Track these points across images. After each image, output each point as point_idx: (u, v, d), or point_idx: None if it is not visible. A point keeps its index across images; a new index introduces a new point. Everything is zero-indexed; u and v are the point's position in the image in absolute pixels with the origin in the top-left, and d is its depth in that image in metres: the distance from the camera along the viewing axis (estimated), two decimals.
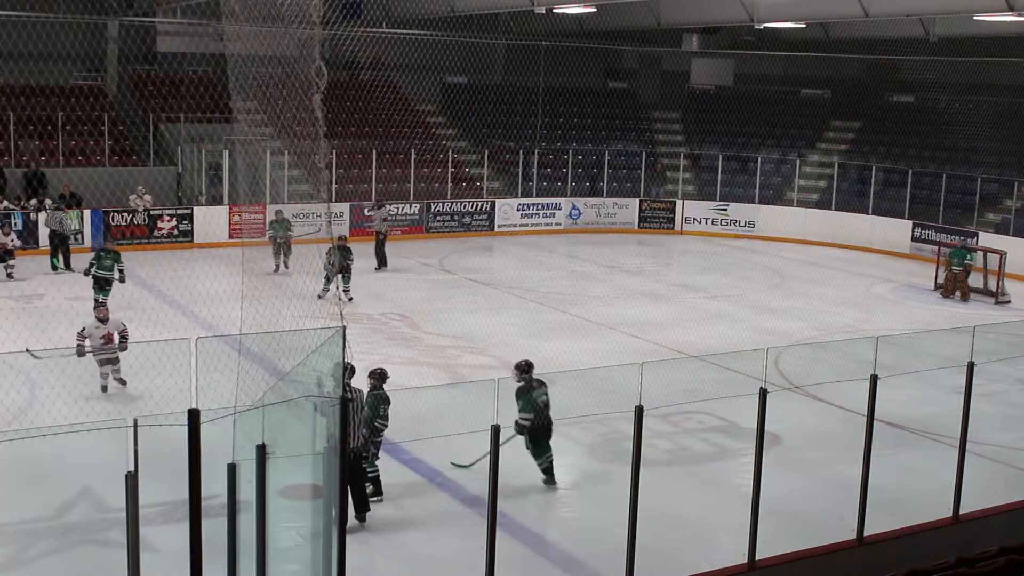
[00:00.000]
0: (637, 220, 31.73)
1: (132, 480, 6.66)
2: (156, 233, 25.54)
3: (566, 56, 31.22)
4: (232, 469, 7.22)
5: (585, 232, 30.84)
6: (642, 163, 32.71)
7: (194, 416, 6.82)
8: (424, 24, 29.65)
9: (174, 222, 25.89)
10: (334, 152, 26.89)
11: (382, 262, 23.80)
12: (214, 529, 7.23)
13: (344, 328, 7.40)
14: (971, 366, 10.25)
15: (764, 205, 31.55)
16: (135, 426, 6.68)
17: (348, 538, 7.69)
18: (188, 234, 25.91)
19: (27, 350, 12.82)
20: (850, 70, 34.40)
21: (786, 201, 31.95)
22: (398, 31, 28.76)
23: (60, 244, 22.58)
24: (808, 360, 15.40)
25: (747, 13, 26.26)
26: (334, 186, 27.90)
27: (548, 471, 11.54)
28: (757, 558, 9.12)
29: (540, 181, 31.56)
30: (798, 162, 32.63)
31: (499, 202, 30.48)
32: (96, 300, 17.73)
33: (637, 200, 31.93)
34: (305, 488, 8.25)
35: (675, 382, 11.48)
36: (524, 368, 11.54)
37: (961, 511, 10.31)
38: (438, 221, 29.53)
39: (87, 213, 24.46)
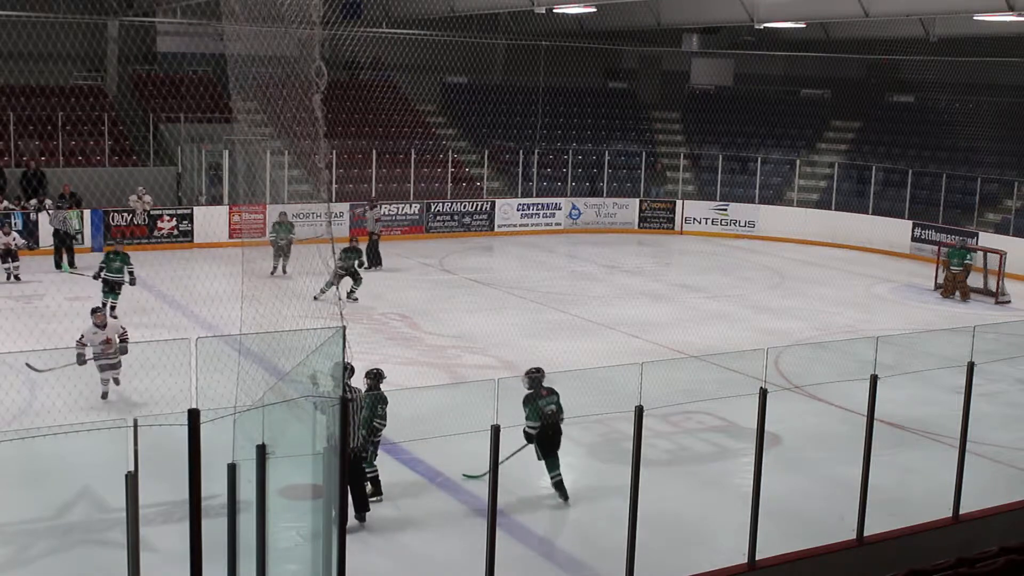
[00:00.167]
0: (637, 220, 31.73)
1: (132, 480, 6.66)
2: (156, 233, 25.54)
3: (566, 56, 31.22)
4: (232, 469, 7.23)
5: (585, 232, 30.84)
6: (642, 163, 32.71)
7: (194, 416, 6.83)
8: (424, 24, 29.64)
9: (174, 222, 25.89)
10: (334, 152, 26.89)
11: (376, 262, 23.75)
12: (214, 529, 7.23)
13: (344, 328, 7.41)
14: (971, 366, 10.25)
15: (764, 205, 31.55)
16: (135, 426, 6.68)
17: (348, 538, 7.69)
18: (188, 234, 25.92)
19: (27, 364, 12.71)
20: (850, 70, 34.40)
21: (786, 201, 31.96)
22: (398, 31, 28.76)
23: (64, 243, 22.68)
24: (808, 360, 15.40)
25: (747, 13, 26.25)
26: (334, 186, 27.90)
27: (558, 486, 11.20)
28: (757, 558, 9.12)
29: (540, 181, 31.56)
30: (798, 162, 32.63)
31: (499, 202, 30.49)
32: (104, 303, 17.76)
33: (637, 200, 31.93)
34: (305, 488, 8.25)
35: (675, 382, 11.47)
36: (533, 375, 11.19)
37: (961, 511, 10.31)
38: (438, 221, 29.53)
39: (87, 213, 24.47)
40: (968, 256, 23.42)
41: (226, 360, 8.02)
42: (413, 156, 29.70)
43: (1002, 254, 23.42)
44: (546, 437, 11.06)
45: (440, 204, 29.63)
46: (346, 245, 20.63)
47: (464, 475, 11.50)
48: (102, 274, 17.98)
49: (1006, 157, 29.22)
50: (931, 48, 27.56)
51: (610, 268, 26.07)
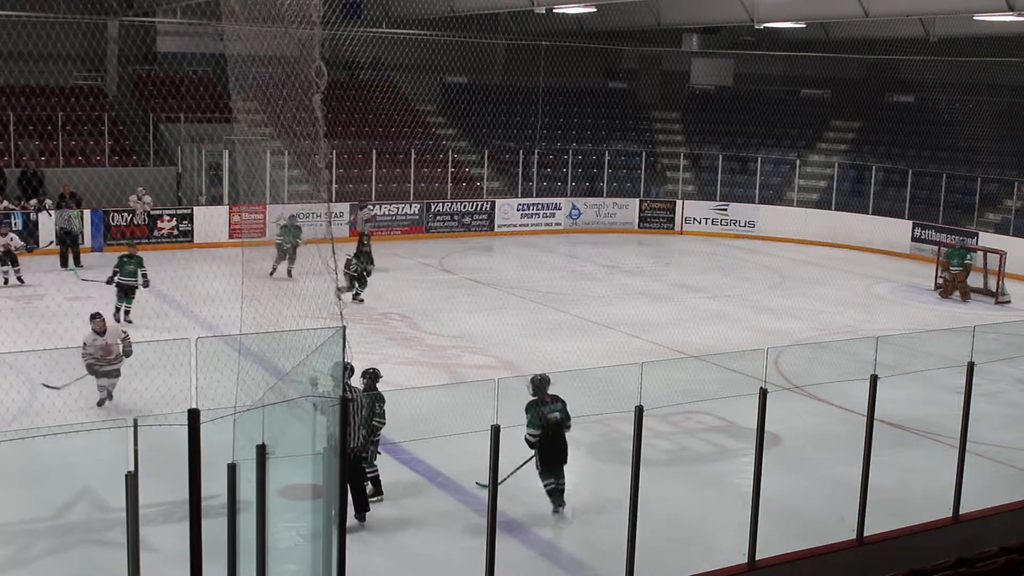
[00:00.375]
0: (637, 220, 31.74)
1: (132, 480, 6.66)
2: (156, 233, 25.54)
3: (566, 56, 31.21)
4: (232, 469, 7.23)
5: (585, 232, 30.85)
6: (642, 163, 32.71)
7: (194, 416, 6.83)
8: (424, 24, 29.64)
9: (174, 222, 25.90)
10: (334, 152, 26.89)
11: (368, 262, 23.59)
12: (214, 529, 7.23)
13: (344, 328, 7.40)
14: (971, 366, 10.25)
15: (764, 205, 31.56)
16: (135, 426, 6.68)
17: (348, 538, 7.69)
18: (188, 234, 25.92)
19: (44, 384, 12.59)
20: (850, 70, 34.40)
21: (786, 201, 31.96)
22: (398, 31, 28.76)
23: (71, 243, 22.77)
24: (808, 360, 15.40)
25: (747, 13, 26.25)
26: (334, 186, 27.89)
27: (558, 494, 10.90)
28: (757, 558, 9.12)
29: (540, 181, 31.56)
30: (798, 162, 32.64)
31: (499, 202, 30.49)
32: (118, 308, 17.72)
33: (637, 200, 31.93)
34: (305, 488, 8.25)
35: (675, 382, 11.47)
36: (537, 382, 10.83)
37: (961, 511, 10.31)
38: (438, 221, 29.53)
39: (87, 213, 24.46)
40: (968, 256, 23.42)
41: (226, 360, 8.02)
42: (413, 156, 29.71)
43: (1002, 254, 23.42)
44: (549, 446, 10.73)
45: (440, 204, 29.63)
46: (363, 249, 20.54)
47: (477, 484, 11.13)
48: (115, 279, 17.81)
49: (1006, 157, 29.22)
50: (931, 48, 27.56)
51: (610, 268, 26.07)
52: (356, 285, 20.12)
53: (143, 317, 17.89)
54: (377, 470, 10.94)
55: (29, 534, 10.22)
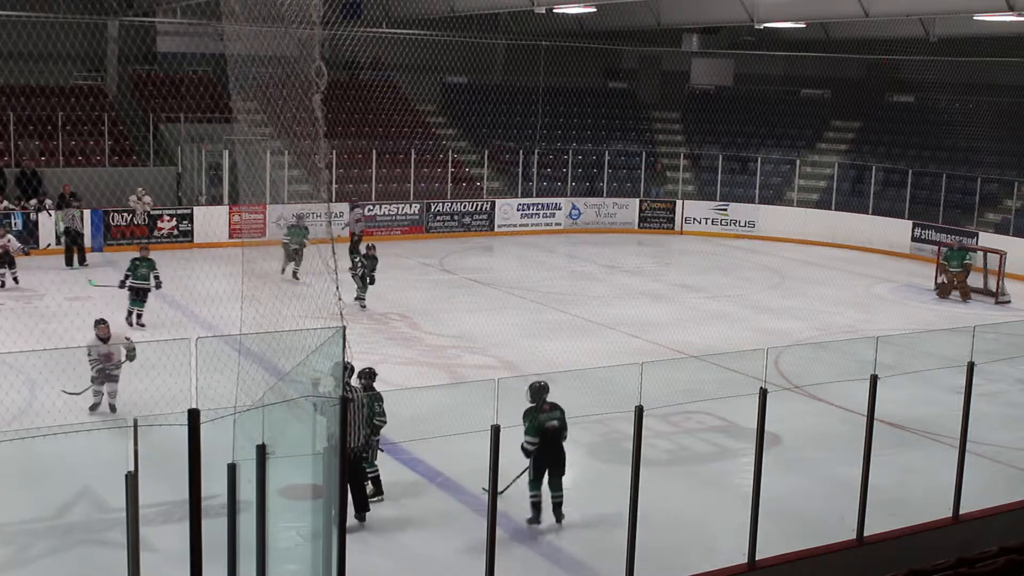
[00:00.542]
0: (637, 220, 31.74)
1: (132, 480, 6.66)
2: (156, 233, 25.53)
3: (566, 56, 31.21)
4: (232, 469, 7.23)
5: (585, 232, 30.85)
6: (642, 163, 32.72)
7: (194, 416, 6.83)
8: (424, 24, 29.64)
9: (174, 222, 25.90)
10: (334, 152, 26.90)
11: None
12: (214, 529, 7.23)
13: (344, 328, 7.41)
14: (971, 366, 10.25)
15: (764, 205, 31.56)
16: (135, 426, 6.68)
17: (348, 538, 7.70)
18: (188, 234, 25.92)
19: (64, 391, 12.54)
20: (850, 70, 34.40)
21: (786, 201, 31.96)
22: (398, 31, 28.76)
23: (75, 242, 22.94)
24: (808, 360, 15.39)
25: (747, 13, 26.26)
26: (334, 186, 27.90)
27: (556, 508, 10.66)
28: (757, 558, 9.12)
29: (540, 181, 31.56)
30: (798, 162, 32.64)
31: (499, 202, 30.48)
32: (131, 312, 17.64)
33: (637, 200, 31.93)
34: (305, 488, 8.25)
35: (675, 382, 11.46)
36: (536, 389, 10.57)
37: (961, 511, 10.31)
38: (438, 221, 29.53)
39: (87, 213, 24.45)
40: (967, 257, 23.40)
41: (226, 360, 8.02)
42: (413, 156, 29.71)
43: (1002, 254, 23.41)
44: (546, 455, 10.48)
45: (440, 204, 29.63)
46: (364, 253, 20.33)
47: (484, 489, 11.15)
48: (128, 282, 17.68)
49: (1006, 157, 29.22)
50: (931, 48, 27.56)
51: (610, 268, 26.07)
52: (360, 288, 19.89)
53: (144, 317, 17.85)
54: (378, 470, 10.94)
55: (29, 534, 10.22)
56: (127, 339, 13.42)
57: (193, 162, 27.48)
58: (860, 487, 9.69)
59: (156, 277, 17.83)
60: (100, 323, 13.39)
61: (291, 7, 7.51)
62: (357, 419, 10.31)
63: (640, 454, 8.50)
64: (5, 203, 24.25)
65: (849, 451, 10.19)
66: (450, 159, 30.42)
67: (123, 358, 13.17)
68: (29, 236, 23.61)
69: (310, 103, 7.33)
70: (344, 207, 27.61)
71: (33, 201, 24.29)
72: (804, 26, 28.48)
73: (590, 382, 10.34)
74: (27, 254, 20.59)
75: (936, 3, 23.65)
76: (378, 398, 10.81)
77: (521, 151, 31.29)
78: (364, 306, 19.77)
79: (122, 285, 17.77)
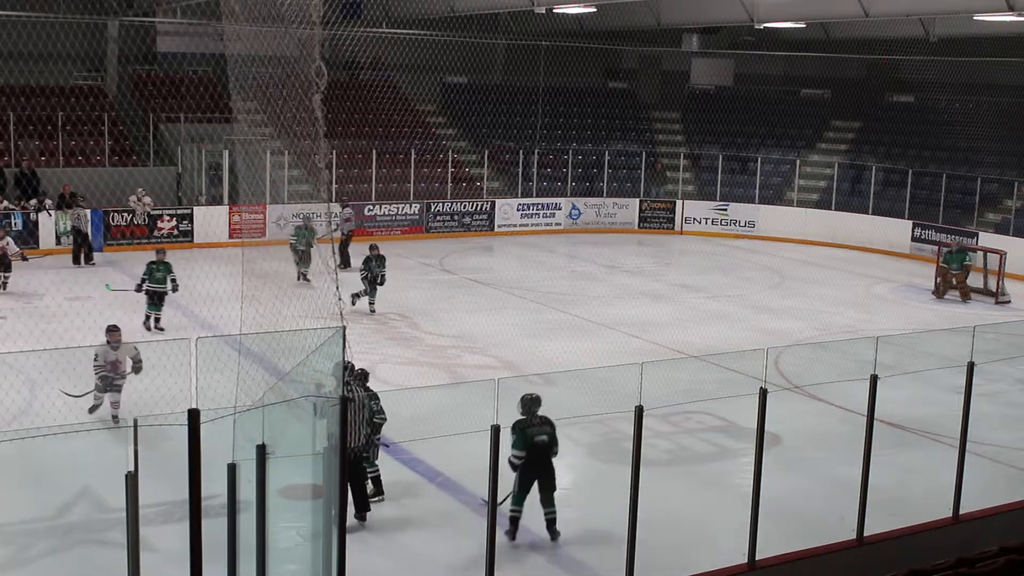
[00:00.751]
0: (637, 220, 31.74)
1: (132, 480, 6.66)
2: (156, 233, 25.54)
3: (566, 56, 31.22)
4: (232, 469, 7.22)
5: (585, 232, 30.85)
6: (642, 163, 32.72)
7: (194, 416, 6.82)
8: (424, 24, 29.65)
9: (174, 222, 25.90)
10: (334, 152, 26.89)
11: (346, 262, 23.31)
12: (214, 529, 7.23)
13: (344, 328, 7.41)
14: (971, 366, 10.25)
15: (764, 205, 31.56)
16: (135, 426, 6.68)
17: (348, 538, 7.69)
18: (188, 234, 25.92)
19: (63, 391, 12.42)
20: (850, 70, 34.40)
21: (786, 201, 31.96)
22: (398, 31, 28.76)
23: (83, 241, 23.15)
24: (808, 360, 15.40)
25: (747, 13, 26.26)
26: (334, 186, 27.90)
27: (550, 524, 10.30)
28: (757, 558, 9.12)
29: (540, 181, 31.57)
30: (798, 162, 32.64)
31: (499, 202, 30.49)
32: (148, 316, 17.56)
33: (637, 200, 31.93)
34: (305, 488, 8.25)
35: (675, 382, 11.47)
36: (527, 401, 10.20)
37: (961, 511, 10.31)
38: (438, 221, 29.53)
39: (87, 213, 24.46)
40: (967, 258, 23.37)
41: (226, 360, 8.02)
42: (413, 156, 29.71)
43: (1002, 254, 23.41)
44: (533, 470, 10.12)
45: (440, 204, 29.64)
46: (368, 254, 19.72)
47: (483, 500, 11.09)
48: (144, 286, 17.55)
49: (1006, 157, 29.22)
50: (931, 48, 27.57)
51: (610, 268, 26.07)
52: (366, 290, 19.54)
53: (143, 317, 17.84)
54: (378, 469, 10.94)
55: (29, 534, 10.22)
56: (135, 348, 13.14)
57: (193, 162, 27.48)
58: (860, 487, 9.69)
59: (173, 281, 17.67)
60: (112, 329, 13.07)
61: (291, 7, 7.52)
62: (357, 419, 10.32)
63: (640, 454, 8.50)
64: (5, 203, 24.26)
65: (849, 451, 10.19)
66: (450, 159, 30.42)
67: (128, 369, 12.95)
68: (29, 236, 23.63)
69: (310, 103, 7.33)
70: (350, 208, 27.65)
71: (33, 201, 24.31)
72: (804, 26, 28.48)
73: (590, 382, 10.35)
74: (25, 259, 20.53)
75: (936, 3, 23.66)
76: (374, 396, 10.81)
77: (521, 151, 31.29)
78: (374, 310, 19.49)
79: (139, 289, 17.65)
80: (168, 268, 17.71)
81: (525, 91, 33.23)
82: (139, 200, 25.30)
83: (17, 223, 23.63)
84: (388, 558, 9.95)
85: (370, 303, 19.51)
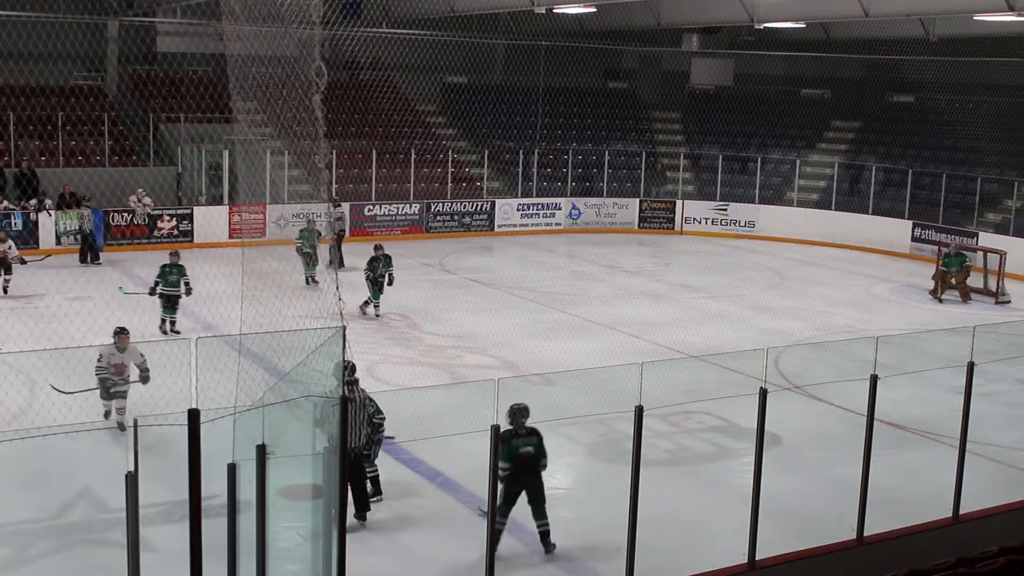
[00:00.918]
0: (637, 220, 31.74)
1: (132, 480, 6.66)
2: (156, 233, 25.56)
3: (566, 56, 31.23)
4: (232, 469, 7.22)
5: (585, 232, 30.85)
6: (642, 163, 32.72)
7: (194, 416, 6.82)
8: (424, 24, 29.65)
9: (174, 222, 25.90)
10: (334, 152, 26.90)
11: (339, 262, 23.16)
12: (214, 529, 7.23)
13: (344, 328, 7.40)
14: (971, 366, 10.25)
15: (764, 205, 31.56)
16: (135, 426, 6.68)
17: (348, 538, 7.69)
18: (188, 234, 25.92)
19: (52, 386, 12.31)
20: (850, 70, 34.40)
21: (786, 201, 31.96)
22: (398, 31, 28.77)
23: (90, 241, 23.30)
24: (808, 360, 15.40)
25: (747, 13, 26.26)
26: (334, 186, 27.90)
27: (544, 537, 10.01)
28: (757, 558, 9.11)
29: (540, 181, 31.57)
30: (798, 162, 32.64)
31: (499, 202, 30.49)
32: (164, 319, 17.46)
33: (637, 200, 31.93)
34: (305, 488, 8.25)
35: (675, 382, 11.46)
36: (514, 412, 9.70)
37: (961, 511, 10.30)
38: (438, 221, 29.53)
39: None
40: (966, 260, 23.34)
41: (226, 360, 8.03)
42: (413, 156, 29.71)
43: (1002, 254, 23.41)
44: (519, 482, 9.71)
45: (440, 204, 29.64)
46: (374, 255, 19.35)
47: (479, 510, 10.63)
48: (158, 289, 17.42)
49: (1006, 157, 29.22)
50: (931, 48, 27.58)
51: (610, 268, 26.08)
52: (370, 291, 19.23)
53: (143, 317, 17.84)
54: (377, 469, 10.93)
55: (29, 534, 10.21)
56: (141, 355, 12.70)
57: (193, 162, 27.48)
58: (860, 487, 9.69)
59: (187, 284, 17.49)
60: (121, 332, 12.70)
61: (291, 7, 7.51)
62: (358, 419, 10.32)
63: (640, 454, 8.50)
64: (5, 203, 24.26)
65: (849, 451, 10.18)
66: (450, 159, 30.42)
67: (134, 377, 12.62)
68: (29, 236, 23.64)
69: (310, 103, 7.33)
70: (345, 207, 27.64)
71: (33, 201, 24.32)
72: (804, 26, 28.48)
73: (590, 382, 10.34)
74: (23, 262, 20.49)
75: (936, 3, 23.65)
76: (369, 398, 10.76)
77: (521, 151, 31.29)
78: (379, 314, 19.17)
79: (152, 292, 17.54)
80: (182, 271, 17.54)
81: (525, 91, 33.24)
82: (139, 201, 25.30)
83: (17, 223, 23.64)
84: (388, 558, 9.95)
85: (374, 305, 19.22)
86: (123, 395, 12.61)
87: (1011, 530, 10.16)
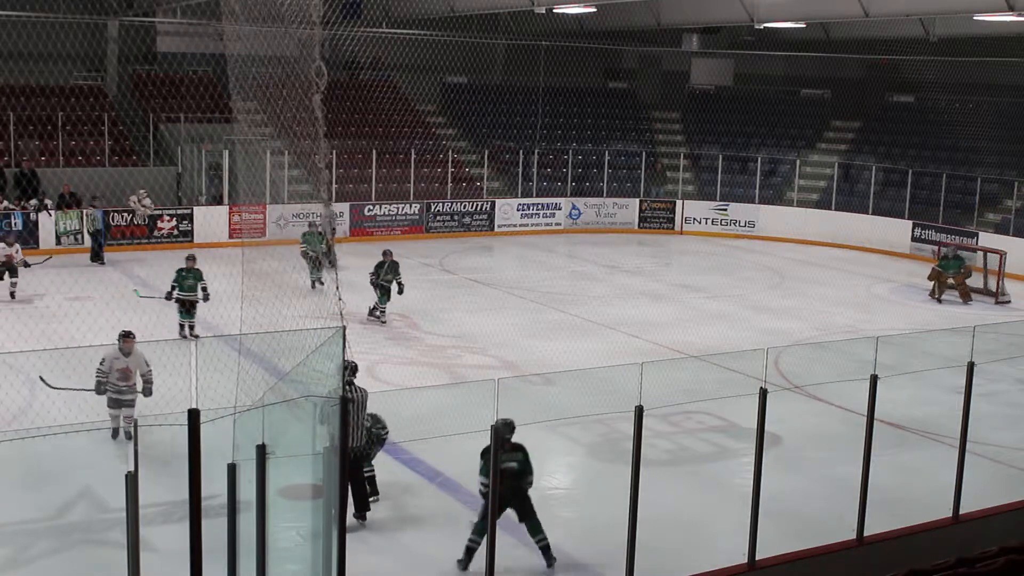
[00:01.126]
0: (637, 220, 31.74)
1: (132, 480, 6.66)
2: (156, 233, 25.56)
3: (566, 56, 31.23)
4: (232, 469, 7.22)
5: (585, 232, 30.85)
6: (642, 163, 32.72)
7: (194, 416, 6.82)
8: (424, 24, 29.65)
9: (174, 222, 25.90)
10: (334, 152, 26.88)
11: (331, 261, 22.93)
12: (214, 529, 7.23)
13: (344, 328, 7.41)
14: (971, 366, 10.25)
15: (764, 205, 31.56)
16: (135, 426, 6.69)
17: (348, 538, 7.69)
18: (188, 234, 25.92)
19: (41, 378, 12.18)
20: (850, 70, 34.40)
21: (786, 201, 31.96)
22: (398, 31, 28.77)
23: (99, 240, 23.41)
24: (808, 360, 15.40)
25: (747, 13, 26.26)
26: (334, 186, 27.90)
27: (544, 550, 9.72)
28: (757, 558, 9.12)
29: (540, 181, 31.57)
30: (798, 162, 32.64)
31: (499, 202, 30.49)
32: (182, 324, 17.26)
33: (637, 200, 31.93)
34: (305, 488, 8.25)
35: (675, 382, 11.46)
36: (498, 427, 8.69)
37: (961, 511, 10.30)
38: (438, 221, 29.53)
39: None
40: (964, 262, 23.30)
41: (226, 360, 8.03)
42: (413, 156, 29.71)
43: (1002, 254, 23.41)
44: (503, 501, 9.13)
45: (440, 204, 29.64)
46: (381, 260, 19.13)
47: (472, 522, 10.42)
48: (175, 294, 17.22)
49: (1006, 157, 29.22)
50: (931, 48, 27.58)
51: (610, 268, 26.07)
52: (379, 298, 18.98)
53: (143, 317, 17.85)
54: (373, 469, 10.91)
55: (29, 534, 10.21)
56: (146, 364, 12.26)
57: (193, 162, 27.48)
58: (860, 487, 9.69)
59: (204, 289, 17.18)
60: (127, 336, 12.24)
61: (291, 7, 7.51)
62: (359, 419, 10.32)
63: (640, 454, 8.50)
64: (5, 203, 24.27)
65: (849, 451, 10.19)
66: (450, 159, 30.42)
67: (139, 387, 12.24)
68: (29, 236, 23.64)
69: (310, 103, 7.33)
70: (345, 207, 27.68)
71: (33, 201, 24.31)
72: (804, 26, 28.48)
73: (590, 382, 10.35)
74: (27, 265, 20.48)
75: (936, 3, 23.65)
76: (375, 417, 10.72)
77: (521, 151, 31.29)
78: (384, 321, 18.92)
79: (168, 297, 17.35)
80: (199, 275, 17.26)
81: (525, 91, 33.23)
82: (139, 202, 25.28)
83: (17, 223, 23.64)
84: (388, 558, 9.95)
85: (380, 311, 18.94)
86: (131, 404, 12.18)
87: (1011, 530, 10.16)
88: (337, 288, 7.52)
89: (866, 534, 9.74)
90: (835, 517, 10.34)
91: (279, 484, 7.70)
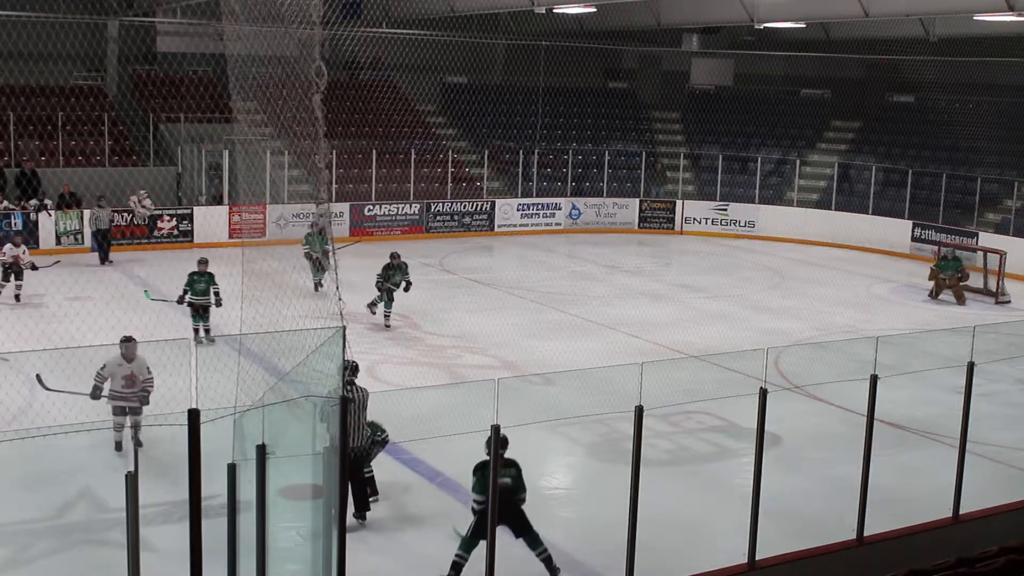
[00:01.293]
0: (637, 220, 31.74)
1: (132, 480, 6.66)
2: (156, 233, 25.56)
3: (566, 56, 31.23)
4: (232, 469, 7.22)
5: (585, 232, 30.85)
6: (642, 163, 32.72)
7: (194, 416, 6.82)
8: (424, 24, 29.65)
9: (174, 222, 25.90)
10: (334, 152, 26.89)
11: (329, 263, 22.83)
12: (214, 529, 7.23)
13: (344, 328, 7.41)
14: (971, 366, 10.24)
15: (764, 205, 31.56)
16: (135, 426, 6.68)
17: (348, 538, 7.69)
18: (188, 234, 25.92)
19: (37, 377, 12.02)
20: (850, 70, 34.40)
21: (786, 201, 31.96)
22: (398, 31, 28.77)
23: (105, 241, 23.53)
24: (808, 360, 15.40)
25: (747, 13, 26.26)
26: (334, 186, 27.90)
27: (547, 562, 9.52)
28: (757, 558, 9.11)
29: (540, 181, 31.57)
30: (798, 162, 32.64)
31: (499, 202, 30.49)
32: (196, 329, 16.99)
33: (637, 200, 31.93)
34: (305, 488, 8.25)
35: (675, 382, 11.45)
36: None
37: (961, 511, 10.30)
38: (438, 221, 29.53)
39: (87, 213, 24.47)
40: (962, 263, 23.28)
41: (226, 360, 8.03)
42: (413, 156, 29.71)
43: (1002, 254, 23.40)
44: (502, 517, 8.82)
45: (440, 204, 29.64)
46: (388, 262, 19.06)
47: (456, 530, 10.18)
48: (187, 298, 16.97)
49: (1006, 157, 29.22)
50: (931, 48, 27.57)
51: (610, 268, 26.07)
52: (381, 298, 18.90)
53: (143, 317, 17.84)
54: (372, 470, 10.91)
55: (29, 534, 10.21)
56: (148, 370, 11.91)
57: (193, 162, 27.48)
58: (860, 487, 9.69)
59: (216, 294, 16.83)
60: (128, 340, 11.86)
61: (291, 7, 7.52)
62: (359, 419, 10.32)
63: (640, 454, 8.49)
64: (5, 203, 24.27)
65: (849, 451, 10.18)
66: (450, 159, 30.42)
67: (142, 391, 11.89)
68: (29, 236, 23.62)
69: (310, 103, 7.33)
70: (345, 207, 27.68)
71: (33, 201, 24.31)
72: (804, 26, 28.48)
73: (590, 382, 10.34)
74: (35, 268, 20.44)
75: (936, 3, 23.65)
76: (377, 424, 10.73)
77: (521, 151, 31.29)
78: (388, 324, 18.80)
79: (180, 301, 17.07)
80: (211, 279, 16.94)
81: (525, 91, 33.23)
82: (139, 203, 25.27)
83: (17, 223, 23.64)
84: (388, 558, 9.96)
85: (384, 315, 18.84)
86: (138, 411, 11.78)
87: (1011, 530, 10.15)
88: (337, 288, 7.52)
89: (866, 534, 9.73)
90: (835, 517, 10.34)
91: (279, 484, 7.70)
